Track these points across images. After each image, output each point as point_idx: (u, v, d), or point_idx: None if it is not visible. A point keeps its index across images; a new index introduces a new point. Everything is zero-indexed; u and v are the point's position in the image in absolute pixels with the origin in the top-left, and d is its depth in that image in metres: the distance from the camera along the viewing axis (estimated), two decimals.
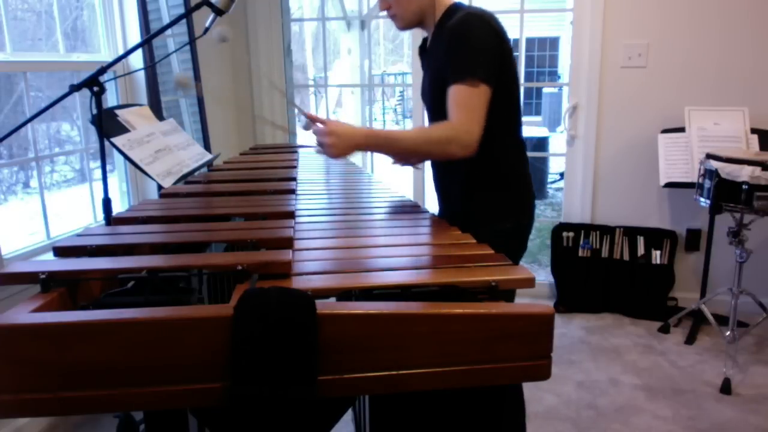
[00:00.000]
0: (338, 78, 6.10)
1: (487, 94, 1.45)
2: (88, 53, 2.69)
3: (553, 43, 12.57)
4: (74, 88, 1.59)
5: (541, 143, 6.83)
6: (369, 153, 3.93)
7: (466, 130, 1.44)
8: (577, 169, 3.33)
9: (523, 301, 0.99)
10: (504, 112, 1.58)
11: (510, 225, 1.64)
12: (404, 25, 1.66)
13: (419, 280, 1.05)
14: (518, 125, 1.67)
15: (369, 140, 1.50)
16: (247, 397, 0.85)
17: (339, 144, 1.45)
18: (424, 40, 1.78)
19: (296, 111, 1.77)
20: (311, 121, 1.54)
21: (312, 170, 2.28)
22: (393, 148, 1.52)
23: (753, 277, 2.98)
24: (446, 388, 0.93)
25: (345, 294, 1.01)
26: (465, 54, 1.46)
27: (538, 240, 4.90)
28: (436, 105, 1.62)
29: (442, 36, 1.56)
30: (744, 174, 2.41)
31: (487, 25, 1.49)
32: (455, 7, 1.60)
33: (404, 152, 1.55)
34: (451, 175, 1.70)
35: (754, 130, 2.89)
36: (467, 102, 1.44)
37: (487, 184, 1.65)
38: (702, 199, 2.65)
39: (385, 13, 1.67)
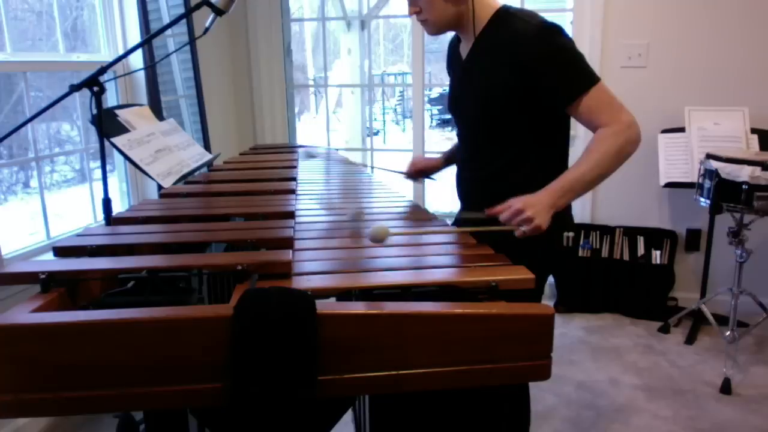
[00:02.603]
0: (338, 78, 6.10)
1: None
2: (88, 53, 2.68)
3: None
4: (74, 88, 1.59)
5: None
6: (370, 152, 3.93)
7: (628, 123, 1.37)
8: None
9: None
10: (559, 119, 1.50)
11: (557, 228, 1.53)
12: (436, 31, 1.51)
13: (419, 280, 1.05)
14: (568, 129, 1.57)
15: (557, 193, 1.33)
16: (247, 397, 0.85)
17: (538, 212, 1.28)
18: (457, 43, 1.60)
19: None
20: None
21: (312, 170, 2.28)
22: (585, 187, 1.37)
23: (753, 277, 2.97)
24: (446, 388, 0.93)
25: (345, 294, 1.01)
26: (574, 65, 1.40)
27: None
28: (492, 119, 1.50)
29: (502, 48, 1.42)
30: (744, 174, 2.41)
31: (563, 31, 1.43)
32: (505, 14, 1.46)
33: (594, 184, 1.39)
34: (495, 185, 1.54)
35: (754, 130, 2.89)
36: (606, 100, 1.39)
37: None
38: (702, 199, 2.65)
39: (408, 15, 1.53)
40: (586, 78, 1.39)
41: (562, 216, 1.51)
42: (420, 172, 1.94)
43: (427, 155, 1.95)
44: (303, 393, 0.86)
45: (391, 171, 1.96)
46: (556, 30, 1.40)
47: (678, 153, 2.96)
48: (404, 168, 1.96)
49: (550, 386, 2.48)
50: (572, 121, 1.49)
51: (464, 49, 1.55)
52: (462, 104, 1.59)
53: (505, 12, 1.46)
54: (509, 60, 1.40)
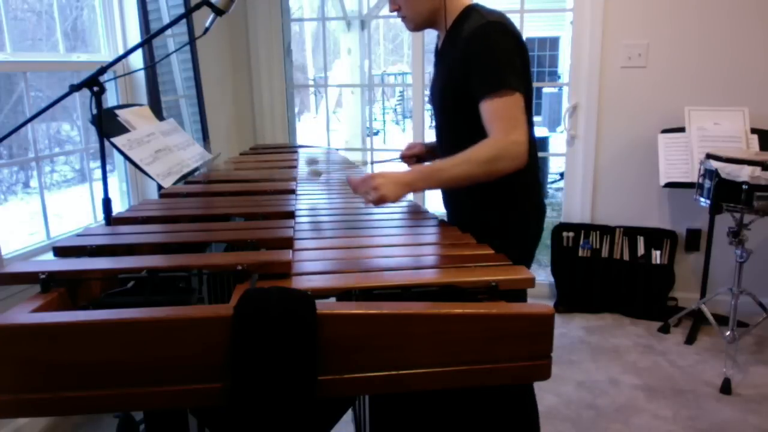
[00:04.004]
0: (338, 78, 6.10)
1: (522, 102, 1.43)
2: (88, 53, 2.68)
3: (553, 43, 12.55)
4: (74, 88, 1.59)
5: (541, 143, 6.83)
6: (370, 152, 3.93)
7: (513, 141, 1.39)
8: (577, 169, 3.33)
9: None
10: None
11: (522, 228, 1.60)
12: (415, 27, 1.62)
13: (419, 280, 1.05)
14: (532, 130, 1.59)
15: (415, 174, 1.42)
16: (247, 397, 0.85)
17: (387, 183, 1.35)
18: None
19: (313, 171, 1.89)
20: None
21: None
22: (442, 178, 1.43)
23: (753, 277, 2.97)
24: (446, 388, 0.93)
25: (345, 294, 1.01)
26: (494, 66, 1.42)
27: None
28: (445, 109, 1.60)
29: (458, 42, 1.49)
30: (744, 174, 2.41)
31: (509, 33, 1.45)
32: (470, 10, 1.53)
33: (454, 181, 1.43)
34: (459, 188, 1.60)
35: (754, 130, 2.89)
36: (507, 113, 1.41)
37: (502, 193, 1.57)
38: (702, 199, 2.65)
39: (389, 12, 1.63)
40: (500, 83, 1.40)
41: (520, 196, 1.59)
42: (415, 157, 1.90)
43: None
44: (303, 393, 0.86)
45: (387, 161, 1.97)
46: (497, 29, 1.44)
47: (678, 153, 2.96)
48: (400, 153, 1.93)
49: (550, 386, 2.48)
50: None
51: (439, 45, 1.65)
52: (432, 96, 1.68)
53: (470, 8, 1.54)
54: (459, 53, 1.48)
